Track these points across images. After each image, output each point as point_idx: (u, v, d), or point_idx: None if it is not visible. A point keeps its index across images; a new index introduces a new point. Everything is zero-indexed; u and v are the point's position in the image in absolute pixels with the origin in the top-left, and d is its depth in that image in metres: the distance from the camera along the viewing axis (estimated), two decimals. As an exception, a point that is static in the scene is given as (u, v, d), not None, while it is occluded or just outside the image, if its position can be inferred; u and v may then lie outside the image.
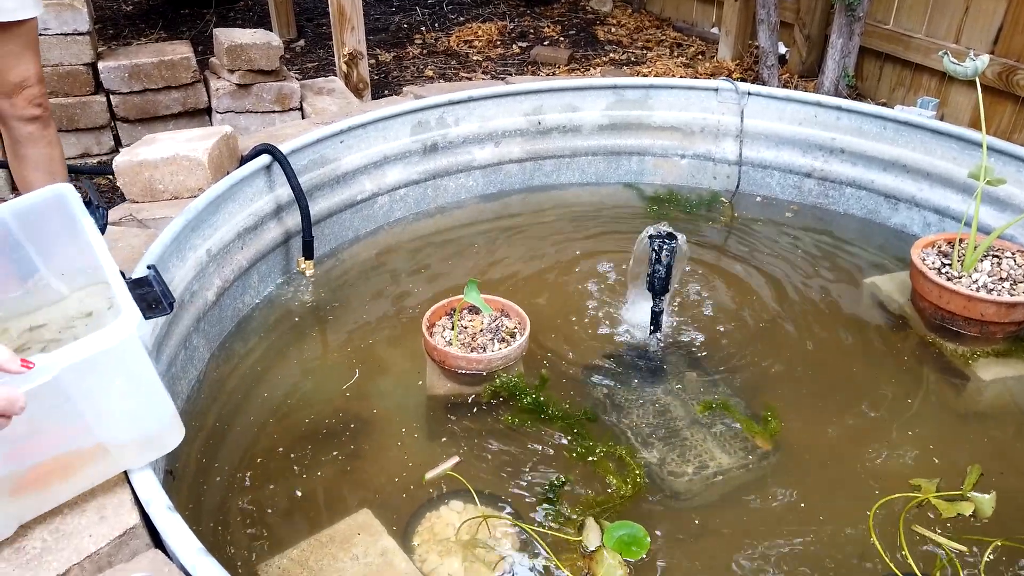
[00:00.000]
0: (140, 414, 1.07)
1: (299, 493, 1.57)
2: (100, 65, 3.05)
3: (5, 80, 1.93)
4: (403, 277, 2.28)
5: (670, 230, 1.92)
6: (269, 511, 1.53)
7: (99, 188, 3.07)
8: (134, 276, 1.14)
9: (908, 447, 1.71)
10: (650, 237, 1.91)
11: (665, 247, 1.88)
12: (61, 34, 2.92)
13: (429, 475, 1.58)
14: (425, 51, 4.94)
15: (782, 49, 4.43)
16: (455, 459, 1.63)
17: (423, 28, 5.35)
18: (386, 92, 4.20)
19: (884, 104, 3.76)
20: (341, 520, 1.50)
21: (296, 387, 1.86)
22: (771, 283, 2.27)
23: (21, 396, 0.87)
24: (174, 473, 1.56)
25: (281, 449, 1.66)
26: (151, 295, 1.13)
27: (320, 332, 2.08)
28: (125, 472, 1.08)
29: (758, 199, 2.75)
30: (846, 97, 3.65)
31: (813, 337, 2.05)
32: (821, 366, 1.95)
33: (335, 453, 1.66)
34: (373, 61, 4.67)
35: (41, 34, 2.92)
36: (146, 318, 1.06)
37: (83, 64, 3.02)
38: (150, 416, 1.08)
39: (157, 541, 1.06)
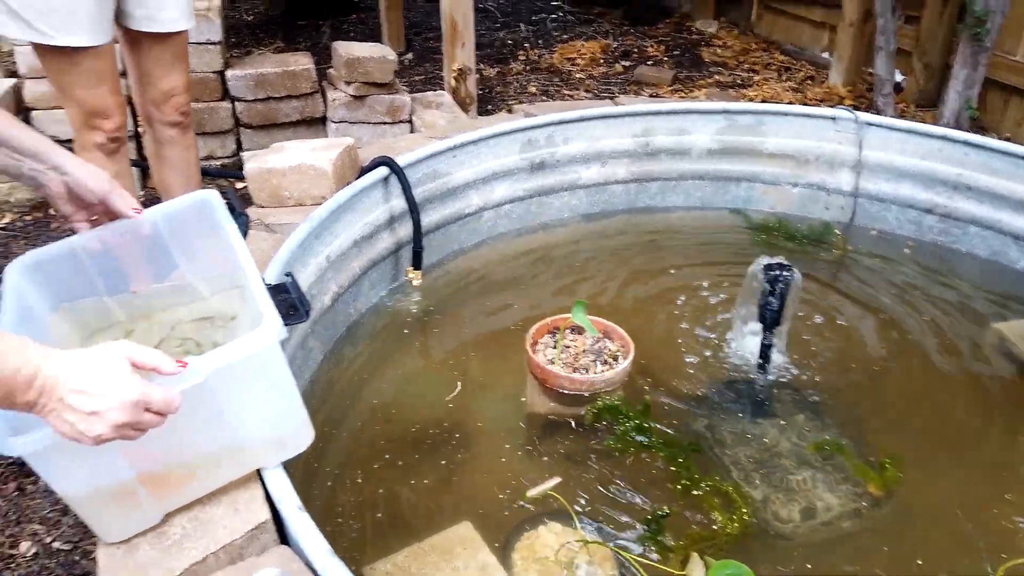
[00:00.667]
0: (276, 416, 1.11)
1: (402, 499, 1.60)
2: (228, 73, 3.22)
3: (156, 88, 2.05)
4: (504, 291, 2.31)
5: (785, 261, 1.88)
6: (373, 515, 1.56)
7: (221, 191, 3.24)
8: (273, 282, 1.19)
9: (1036, 507, 1.61)
10: (765, 267, 1.87)
11: (780, 279, 1.83)
12: (196, 43, 3.09)
13: (531, 493, 1.59)
14: (528, 68, 5.00)
15: (898, 77, 4.27)
16: (557, 479, 1.63)
17: (526, 45, 5.41)
18: (489, 107, 4.27)
19: (1008, 139, 3.56)
20: (443, 530, 1.52)
21: (401, 394, 1.90)
22: (886, 322, 2.18)
23: (178, 396, 0.92)
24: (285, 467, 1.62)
25: (386, 455, 1.70)
26: (288, 301, 1.18)
27: (424, 341, 2.13)
28: (259, 473, 1.12)
29: (873, 233, 2.65)
30: (967, 130, 3.48)
31: (931, 383, 1.96)
32: (940, 414, 1.86)
33: (437, 462, 1.69)
34: (477, 76, 4.74)
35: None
36: (286, 324, 1.09)
37: (213, 72, 3.19)
38: (285, 418, 1.13)
39: (283, 537, 1.10)
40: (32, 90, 3.05)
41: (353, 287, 2.07)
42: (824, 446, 1.74)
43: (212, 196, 1.35)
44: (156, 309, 1.39)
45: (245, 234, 1.32)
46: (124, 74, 2.14)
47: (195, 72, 3.13)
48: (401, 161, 2.15)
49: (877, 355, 2.04)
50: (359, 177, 2.11)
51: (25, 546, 1.76)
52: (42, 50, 1.83)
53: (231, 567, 1.01)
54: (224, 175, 3.30)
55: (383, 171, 2.10)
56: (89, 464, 0.95)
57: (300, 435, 1.17)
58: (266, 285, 1.16)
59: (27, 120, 3.10)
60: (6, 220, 3.04)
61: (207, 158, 3.35)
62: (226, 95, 3.28)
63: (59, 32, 1.78)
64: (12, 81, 3.07)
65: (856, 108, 3.03)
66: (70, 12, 1.76)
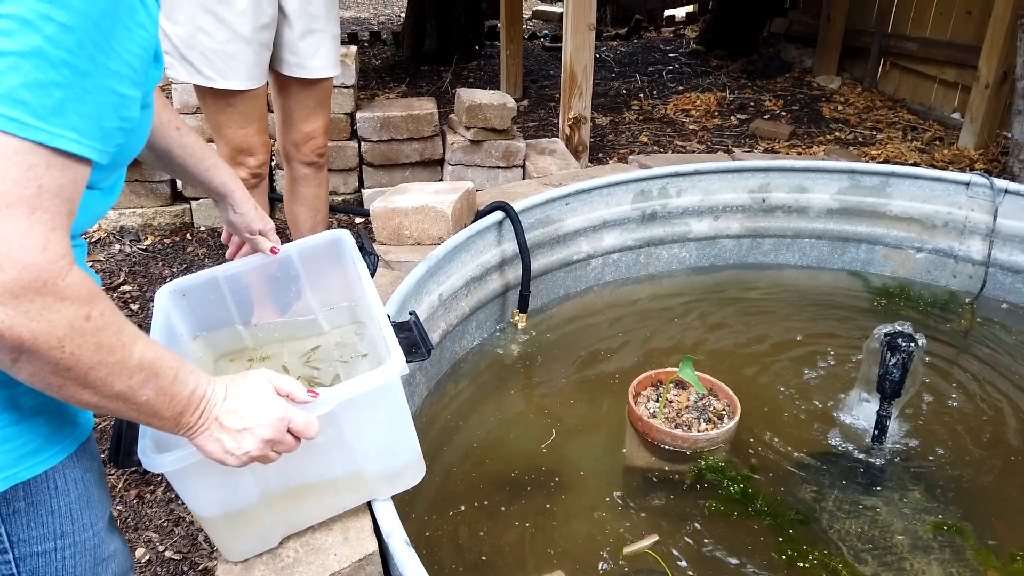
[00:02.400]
0: (394, 449, 1.15)
1: (494, 543, 1.60)
2: (357, 115, 3.41)
3: (298, 129, 2.19)
4: (608, 340, 2.30)
5: (910, 331, 1.79)
6: (466, 556, 1.58)
7: (343, 225, 3.40)
8: (397, 320, 1.24)
9: None
10: (886, 334, 1.79)
11: (903, 347, 1.75)
12: (333, 86, 3.30)
13: (628, 550, 1.57)
14: (641, 117, 5.02)
15: (1037, 141, 4.02)
16: (655, 537, 1.60)
17: (641, 95, 5.45)
18: (600, 155, 4.32)
19: None
20: (536, 576, 1.51)
21: (498, 436, 1.92)
22: (1014, 401, 2.03)
23: (316, 421, 0.96)
24: (388, 501, 1.66)
25: (480, 496, 1.72)
26: (411, 339, 1.21)
27: (525, 384, 2.15)
28: (371, 504, 1.16)
29: (1004, 306, 2.49)
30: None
31: (1068, 471, 1.81)
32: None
33: (532, 508, 1.69)
34: (591, 124, 4.82)
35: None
36: (407, 361, 1.12)
37: (344, 113, 3.39)
38: (401, 452, 1.16)
39: (387, 570, 1.13)
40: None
41: (460, 326, 2.12)
42: (943, 527, 1.63)
43: (345, 236, 1.41)
44: (283, 339, 1.47)
45: (373, 273, 1.37)
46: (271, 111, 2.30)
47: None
48: (516, 206, 2.21)
49: (1002, 436, 1.91)
50: (476, 220, 2.18)
51: (140, 552, 1.88)
52: (202, 91, 2.01)
53: (339, 593, 1.05)
54: (347, 212, 3.47)
55: (499, 215, 2.16)
56: (223, 485, 1.02)
57: (413, 469, 1.20)
58: (392, 322, 1.20)
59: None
60: (148, 242, 3.31)
61: (331, 193, 3.54)
62: (354, 135, 3.47)
63: (221, 76, 1.94)
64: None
65: (989, 173, 2.88)
66: (232, 57, 1.93)
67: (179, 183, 3.35)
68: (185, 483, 1.00)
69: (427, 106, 3.49)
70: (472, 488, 1.74)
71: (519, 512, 1.68)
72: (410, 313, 1.22)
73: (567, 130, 3.73)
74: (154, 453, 0.94)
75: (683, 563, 1.55)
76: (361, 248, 1.40)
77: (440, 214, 2.09)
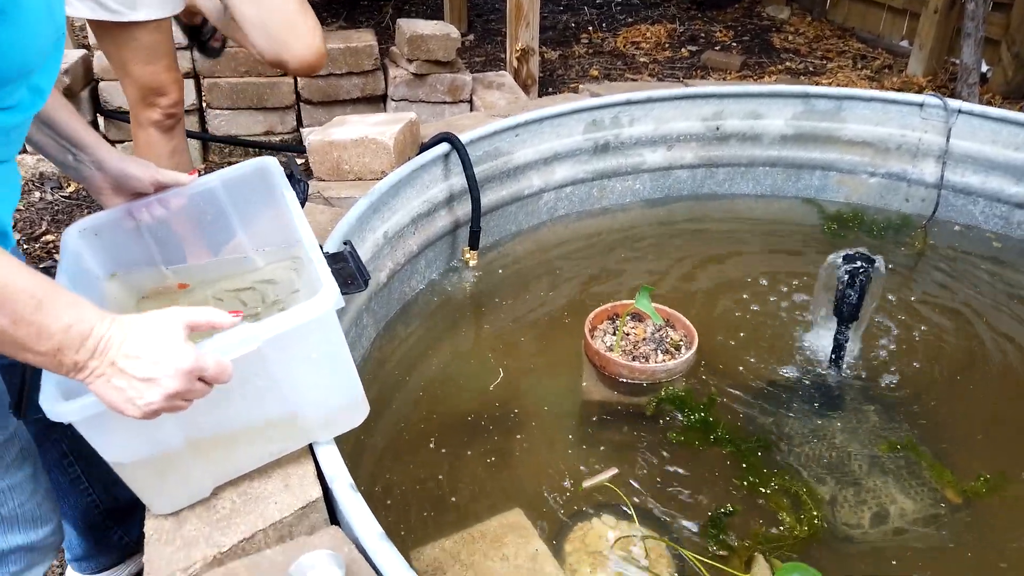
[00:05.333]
0: (331, 389, 1.07)
1: (451, 483, 1.55)
2: (291, 48, 3.21)
3: (140, 87, 1.92)
4: (562, 276, 2.24)
5: (867, 252, 1.76)
6: (422, 498, 1.52)
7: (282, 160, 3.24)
8: (331, 251, 1.14)
9: None
10: (844, 257, 1.76)
11: (860, 271, 1.72)
12: (260, 18, 3.09)
13: (587, 483, 1.53)
14: (591, 51, 4.89)
15: (984, 67, 4.03)
16: (613, 470, 1.56)
17: (590, 27, 5.30)
18: (550, 90, 4.19)
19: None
20: (493, 517, 1.47)
21: (453, 375, 1.86)
22: (967, 321, 2.04)
23: (230, 365, 0.88)
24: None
25: (436, 437, 1.66)
26: (347, 270, 1.12)
27: (478, 323, 2.08)
28: (313, 448, 1.09)
29: (956, 228, 2.49)
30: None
31: (1012, 389, 1.82)
32: (1021, 421, 1.73)
33: (489, 447, 1.64)
34: (539, 58, 4.67)
35: (243, 17, 3.12)
36: (344, 294, 1.05)
37: (287, 76, 3.19)
38: (340, 392, 1.08)
39: (334, 518, 1.06)
40: (102, 62, 3.09)
41: (409, 265, 2.02)
42: (897, 445, 1.64)
43: (271, 162, 1.31)
44: (211, 278, 1.36)
45: (304, 202, 1.27)
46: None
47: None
48: (463, 138, 2.10)
49: (957, 357, 1.91)
50: (420, 153, 2.07)
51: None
52: (99, 27, 1.82)
53: (280, 546, 0.97)
54: (284, 149, 3.30)
55: (444, 147, 2.05)
56: (140, 432, 0.93)
57: (355, 410, 1.13)
58: (325, 254, 1.11)
59: (95, 92, 3.15)
60: (71, 189, 3.10)
61: (267, 133, 3.36)
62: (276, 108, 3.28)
63: (128, 8, 1.76)
64: (82, 52, 3.12)
65: (940, 96, 2.85)
66: None
67: (102, 123, 3.13)
68: (97, 434, 0.91)
69: (366, 38, 3.31)
70: (428, 430, 1.68)
71: (477, 452, 1.62)
72: (344, 243, 1.13)
73: (515, 63, 3.59)
74: (58, 400, 0.84)
75: (643, 495, 1.52)
76: (290, 176, 1.29)
77: (382, 146, 1.97)
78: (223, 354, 0.89)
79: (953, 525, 1.48)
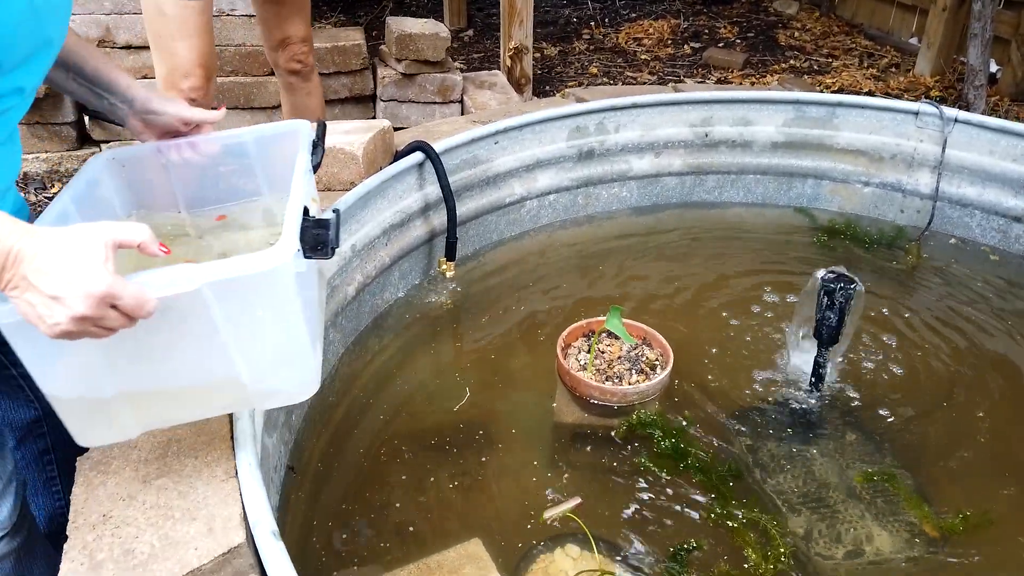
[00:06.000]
0: (279, 353, 1.02)
1: (413, 508, 1.51)
2: (278, 47, 3.16)
3: (273, 35, 2.22)
4: (544, 288, 2.18)
5: (846, 273, 1.70)
6: (382, 523, 1.48)
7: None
8: (318, 216, 1.10)
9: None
10: (823, 279, 1.69)
11: (840, 291, 1.66)
12: (246, 15, 3.04)
13: (547, 514, 1.48)
14: (592, 47, 4.81)
15: (993, 67, 3.92)
16: (577, 500, 1.51)
17: (592, 23, 5.21)
18: (547, 88, 4.12)
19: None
20: (451, 547, 1.42)
21: (424, 393, 1.81)
22: (959, 342, 1.97)
23: (152, 300, 0.85)
24: (296, 469, 1.55)
25: (399, 461, 1.61)
26: (321, 237, 1.08)
27: (454, 338, 2.03)
28: (240, 488, 1.04)
29: (952, 241, 2.41)
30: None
31: (1005, 415, 1.75)
32: (1010, 451, 1.66)
33: (454, 470, 1.59)
34: (538, 55, 4.59)
35: (228, 15, 3.07)
36: (306, 257, 1.01)
37: (261, 46, 3.13)
38: (288, 358, 1.04)
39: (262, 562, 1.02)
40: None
41: (381, 277, 1.98)
42: (874, 477, 1.57)
43: (303, 126, 1.30)
44: (231, 229, 1.32)
45: (317, 167, 1.27)
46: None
47: (244, 45, 3.09)
48: (438, 146, 2.04)
49: (945, 380, 1.84)
50: (393, 162, 2.01)
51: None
52: None
53: (198, 593, 0.93)
54: None
55: (418, 156, 2.00)
56: (71, 369, 0.92)
57: (303, 383, 1.07)
58: (308, 216, 1.07)
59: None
60: (55, 189, 3.07)
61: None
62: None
63: None
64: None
65: (943, 100, 2.77)
66: None
67: (87, 124, 3.10)
68: (23, 345, 0.89)
69: (353, 37, 3.25)
70: (391, 454, 1.63)
71: (440, 478, 1.58)
72: (334, 211, 1.10)
73: (508, 62, 3.53)
74: None
75: (608, 525, 1.47)
76: (314, 143, 1.29)
77: (350, 156, 1.91)
78: (151, 288, 0.85)
79: (929, 563, 1.42)
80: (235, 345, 0.98)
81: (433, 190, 2.07)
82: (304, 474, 1.57)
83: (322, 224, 1.09)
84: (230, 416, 1.17)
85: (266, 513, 0.97)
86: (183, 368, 0.98)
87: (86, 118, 3.12)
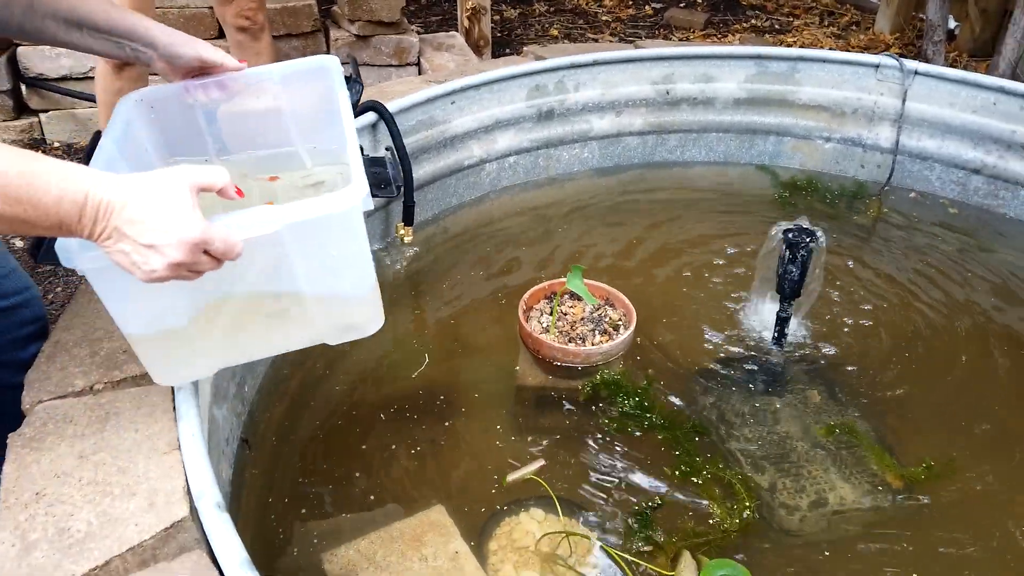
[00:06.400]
0: (348, 290, 1.07)
1: (374, 477, 1.47)
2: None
3: None
4: (506, 251, 2.14)
5: (808, 226, 1.68)
6: (342, 494, 1.44)
7: (344, 60, 3.09)
8: (372, 155, 1.13)
9: (1080, 511, 1.43)
10: (784, 232, 1.67)
11: (802, 245, 1.64)
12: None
13: (511, 478, 1.45)
14: (552, 9, 4.72)
15: (951, 23, 3.93)
16: (540, 462, 1.49)
17: (552, -16, 5.11)
18: (507, 50, 4.04)
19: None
20: (414, 515, 1.39)
21: (384, 360, 1.77)
22: (920, 294, 1.98)
23: (239, 243, 0.87)
24: (250, 443, 1.50)
25: (360, 427, 1.57)
26: (382, 175, 1.14)
27: (414, 303, 1.98)
28: (182, 460, 0.99)
29: (912, 195, 2.42)
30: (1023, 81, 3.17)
31: (965, 363, 1.76)
32: (972, 399, 1.67)
33: (416, 437, 1.55)
34: (497, 17, 4.50)
35: (171, -25, 2.94)
36: (373, 196, 1.02)
37: (207, 7, 3.01)
38: (356, 294, 1.08)
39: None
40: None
41: (336, 243, 1.91)
42: (836, 429, 1.57)
43: (331, 62, 1.28)
44: (263, 171, 1.34)
45: (356, 104, 1.31)
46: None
47: (188, 7, 2.95)
48: (392, 106, 1.97)
49: (908, 332, 1.85)
50: (345, 123, 1.94)
51: None
52: None
53: (140, 572, 0.88)
54: None
55: (371, 117, 1.92)
56: (149, 301, 0.95)
57: (370, 318, 1.13)
58: (364, 156, 1.11)
59: (13, 58, 2.96)
60: None
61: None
62: (221, 33, 3.09)
63: None
64: None
65: (903, 56, 2.76)
66: None
67: (24, 92, 2.95)
68: (107, 289, 0.93)
69: (304, -3, 3.13)
70: (353, 419, 1.59)
71: (402, 443, 1.54)
72: (387, 149, 1.16)
73: (466, 23, 3.44)
74: (72, 249, 0.86)
75: (572, 483, 1.45)
76: (348, 79, 1.29)
77: (299, 117, 1.84)
78: (235, 231, 0.88)
79: (893, 512, 1.42)
80: (306, 279, 1.02)
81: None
82: (259, 447, 1.52)
83: (378, 162, 1.15)
84: (171, 387, 1.11)
85: (210, 485, 0.92)
86: (256, 296, 1.03)
87: (23, 86, 2.97)
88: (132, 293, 0.93)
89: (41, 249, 0.96)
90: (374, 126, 1.96)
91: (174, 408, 1.08)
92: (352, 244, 1.01)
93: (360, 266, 1.05)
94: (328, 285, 1.05)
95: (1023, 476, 1.49)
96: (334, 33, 3.15)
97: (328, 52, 3.21)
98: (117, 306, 0.95)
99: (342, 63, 1.30)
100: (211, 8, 3.04)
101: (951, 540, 1.37)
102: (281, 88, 1.29)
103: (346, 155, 1.30)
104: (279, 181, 1.32)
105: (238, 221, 0.90)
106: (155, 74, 1.29)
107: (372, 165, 1.09)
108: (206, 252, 0.85)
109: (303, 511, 1.39)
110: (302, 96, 1.30)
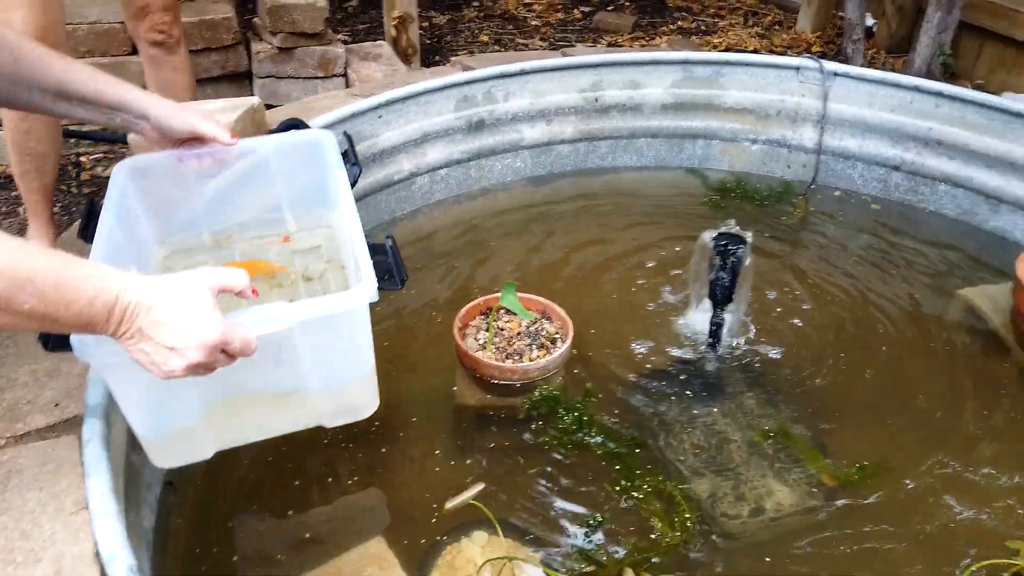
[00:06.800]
0: (348, 378, 1.14)
1: (309, 514, 1.42)
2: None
3: (131, 3, 2.01)
4: (439, 266, 2.11)
5: (738, 231, 1.69)
6: (276, 533, 1.39)
7: (110, 157, 2.92)
8: (372, 243, 1.15)
9: (1005, 499, 1.47)
10: (715, 238, 1.68)
11: (731, 251, 1.65)
12: (105, -8, 2.79)
13: (450, 504, 1.42)
14: (482, 15, 4.69)
15: (869, 21, 4.05)
16: (480, 486, 1.46)
17: (481, -11, 5.08)
18: (437, 58, 3.99)
19: (980, 86, 3.39)
20: (352, 549, 1.35)
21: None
22: (848, 291, 2.02)
23: (255, 341, 0.91)
24: (175, 484, 1.43)
25: (292, 461, 1.51)
26: (385, 264, 1.15)
27: (347, 325, 1.93)
28: (92, 520, 0.93)
29: (836, 192, 2.47)
30: (938, 77, 3.29)
31: (894, 358, 1.81)
32: (902, 394, 1.72)
33: (351, 467, 1.51)
34: (426, 24, 4.45)
35: (79, -10, 2.81)
36: (378, 288, 1.06)
37: (119, 22, 2.88)
38: (356, 382, 1.16)
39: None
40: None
41: (262, 267, 1.85)
42: (771, 433, 1.59)
43: (327, 137, 1.36)
44: (247, 234, 1.42)
45: (354, 185, 1.30)
46: None
47: (100, 23, 2.83)
48: (316, 123, 1.92)
49: (837, 329, 1.89)
50: (266, 143, 1.88)
51: None
52: None
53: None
54: (107, 140, 2.89)
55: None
56: (157, 392, 0.98)
57: (368, 402, 1.21)
58: (369, 242, 1.14)
59: None
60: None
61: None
62: (135, 49, 2.97)
63: None
64: None
65: (824, 55, 2.83)
66: None
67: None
68: (120, 383, 0.97)
69: (223, 9, 3.03)
70: (284, 456, 1.52)
71: (338, 472, 1.49)
72: (387, 237, 1.18)
73: (393, 31, 3.39)
74: (88, 343, 0.89)
75: (513, 505, 1.42)
76: (344, 155, 1.33)
77: (216, 139, 1.77)
78: (251, 328, 0.91)
79: (830, 513, 1.44)
80: (310, 369, 1.08)
81: (313, 171, 1.95)
82: (185, 491, 1.44)
83: (379, 250, 1.17)
84: (79, 439, 1.05)
85: (122, 547, 0.87)
86: (260, 385, 1.08)
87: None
88: (145, 386, 0.96)
89: (51, 338, 0.98)
90: (297, 145, 1.90)
91: (82, 463, 1.01)
92: (357, 337, 1.09)
93: (362, 357, 1.13)
94: (330, 372, 1.11)
95: (951, 470, 1.53)
96: (255, 46, 3.06)
97: (249, 65, 3.12)
98: (129, 403, 0.99)
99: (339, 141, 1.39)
100: (123, 23, 2.92)
101: (886, 536, 1.39)
102: (275, 160, 1.36)
103: (331, 216, 1.41)
104: (288, 243, 1.43)
105: (253, 318, 0.95)
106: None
107: (374, 254, 1.12)
108: (223, 351, 0.89)
109: (234, 557, 1.33)
110: (294, 168, 1.37)
